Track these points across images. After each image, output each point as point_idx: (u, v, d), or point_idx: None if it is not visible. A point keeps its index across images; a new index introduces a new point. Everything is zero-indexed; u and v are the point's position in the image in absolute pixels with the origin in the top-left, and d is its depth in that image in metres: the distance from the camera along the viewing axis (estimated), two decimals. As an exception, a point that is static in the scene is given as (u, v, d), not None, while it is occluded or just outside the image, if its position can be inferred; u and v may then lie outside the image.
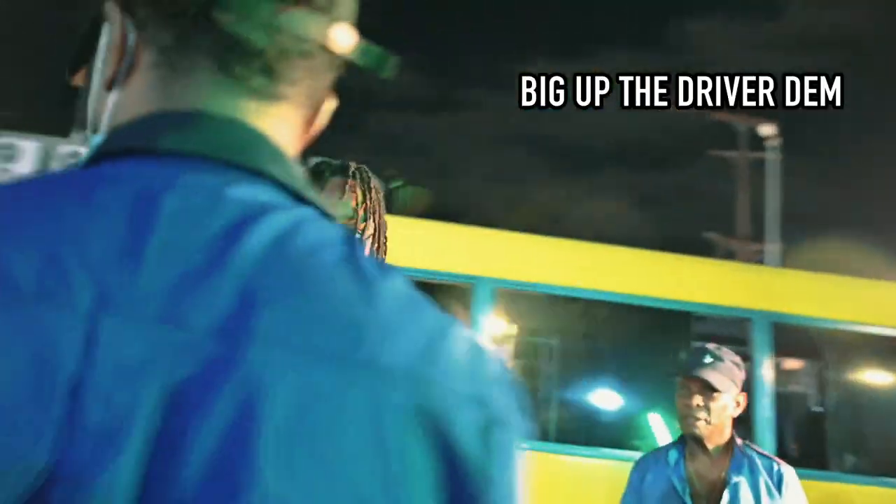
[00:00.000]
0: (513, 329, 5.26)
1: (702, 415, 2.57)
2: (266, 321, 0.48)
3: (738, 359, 2.67)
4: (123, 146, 0.56)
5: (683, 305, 5.01)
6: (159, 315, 0.48)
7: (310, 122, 0.65)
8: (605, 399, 5.27)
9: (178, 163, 0.55)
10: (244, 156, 0.56)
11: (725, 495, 2.54)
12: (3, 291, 0.47)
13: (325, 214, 0.57)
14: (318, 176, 1.71)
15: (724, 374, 2.59)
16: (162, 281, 0.49)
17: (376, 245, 1.70)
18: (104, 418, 0.45)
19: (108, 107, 0.62)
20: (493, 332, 4.81)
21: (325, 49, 0.61)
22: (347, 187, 1.67)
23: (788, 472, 2.58)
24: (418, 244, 5.23)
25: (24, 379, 0.45)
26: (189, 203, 0.52)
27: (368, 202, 1.68)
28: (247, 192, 0.54)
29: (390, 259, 4.81)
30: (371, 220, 1.68)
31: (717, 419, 2.58)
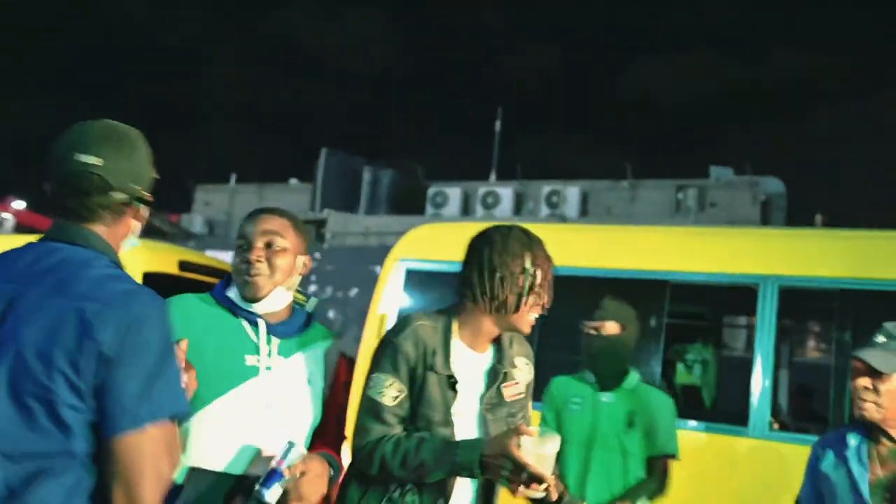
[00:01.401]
0: (801, 326, 5.11)
1: (869, 397, 2.48)
2: (69, 288, 1.54)
3: None
4: (43, 236, 1.68)
5: None
6: (21, 282, 1.57)
7: (137, 216, 1.71)
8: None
9: (53, 242, 1.64)
10: (76, 239, 1.63)
11: (908, 485, 2.39)
12: None
13: (114, 261, 1.64)
14: (487, 242, 2.15)
15: None
16: (27, 275, 1.57)
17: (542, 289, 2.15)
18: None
19: None
20: (779, 330, 4.80)
21: (114, 200, 1.65)
22: (529, 261, 2.12)
23: None
24: (705, 250, 5.42)
25: None
26: (49, 254, 1.60)
27: (542, 268, 2.15)
28: (74, 251, 1.61)
29: (690, 265, 5.05)
30: (545, 277, 2.15)
31: (889, 403, 2.47)
